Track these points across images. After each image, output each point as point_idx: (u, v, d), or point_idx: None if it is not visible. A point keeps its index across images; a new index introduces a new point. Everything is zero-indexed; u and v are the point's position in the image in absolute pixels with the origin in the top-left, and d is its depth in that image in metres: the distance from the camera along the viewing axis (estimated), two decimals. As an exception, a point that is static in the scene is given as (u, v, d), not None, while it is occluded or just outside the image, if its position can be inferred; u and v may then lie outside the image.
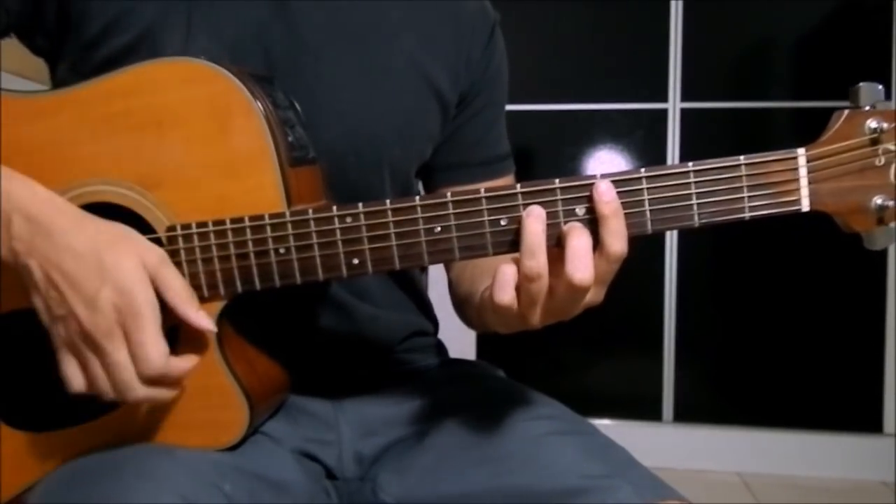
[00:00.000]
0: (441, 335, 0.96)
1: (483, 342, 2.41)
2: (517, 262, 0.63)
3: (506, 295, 0.62)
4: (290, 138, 0.69)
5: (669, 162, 2.46)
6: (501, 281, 0.63)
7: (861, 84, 0.63)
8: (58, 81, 0.81)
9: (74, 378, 0.65)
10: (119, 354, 0.62)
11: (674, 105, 2.49)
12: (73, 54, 0.77)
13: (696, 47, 2.48)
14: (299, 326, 0.81)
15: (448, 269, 0.90)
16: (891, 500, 2.22)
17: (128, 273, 0.63)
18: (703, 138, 2.48)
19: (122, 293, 0.62)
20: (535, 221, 0.62)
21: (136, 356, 0.62)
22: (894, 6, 2.37)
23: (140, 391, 0.63)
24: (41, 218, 0.64)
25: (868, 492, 2.28)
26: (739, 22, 2.48)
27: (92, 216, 0.66)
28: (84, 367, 0.64)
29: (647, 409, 2.53)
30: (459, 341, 1.00)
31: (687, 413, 2.52)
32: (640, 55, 2.52)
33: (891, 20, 2.38)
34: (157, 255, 0.65)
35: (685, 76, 2.49)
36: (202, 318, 0.66)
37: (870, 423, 2.42)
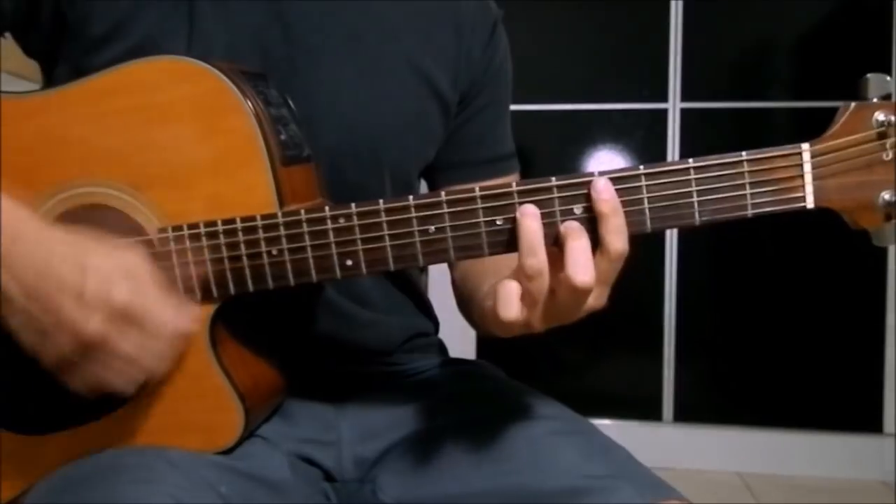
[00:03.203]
0: (441, 335, 0.95)
1: (483, 342, 2.40)
2: (517, 272, 0.62)
3: (510, 311, 0.62)
4: (282, 136, 0.68)
5: (669, 162, 2.46)
6: (505, 297, 0.62)
7: (869, 75, 0.62)
8: (55, 84, 0.80)
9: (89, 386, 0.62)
10: (128, 344, 0.60)
11: (674, 105, 2.49)
12: (73, 58, 0.76)
13: (696, 47, 2.48)
14: (299, 332, 0.80)
15: (451, 269, 0.89)
16: (891, 500, 2.21)
17: (106, 270, 0.60)
18: (704, 138, 2.48)
19: (107, 291, 0.59)
20: (529, 219, 0.61)
21: (155, 334, 0.61)
22: (894, 6, 2.37)
23: (166, 357, 0.63)
24: (7, 226, 0.60)
25: (868, 492, 2.28)
26: (739, 22, 2.47)
27: (58, 228, 0.63)
28: (95, 371, 0.61)
29: (647, 409, 2.52)
30: (459, 341, 1.00)
31: (687, 413, 2.52)
32: (640, 55, 2.52)
33: (891, 20, 2.37)
34: (133, 259, 0.63)
35: (685, 76, 2.48)
36: (181, 319, 0.63)
37: (870, 423, 2.42)
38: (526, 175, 0.94)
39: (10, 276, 0.59)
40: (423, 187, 0.94)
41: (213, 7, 0.76)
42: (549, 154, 2.57)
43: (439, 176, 0.90)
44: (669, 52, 2.48)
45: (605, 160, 2.54)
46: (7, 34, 0.79)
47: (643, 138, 2.52)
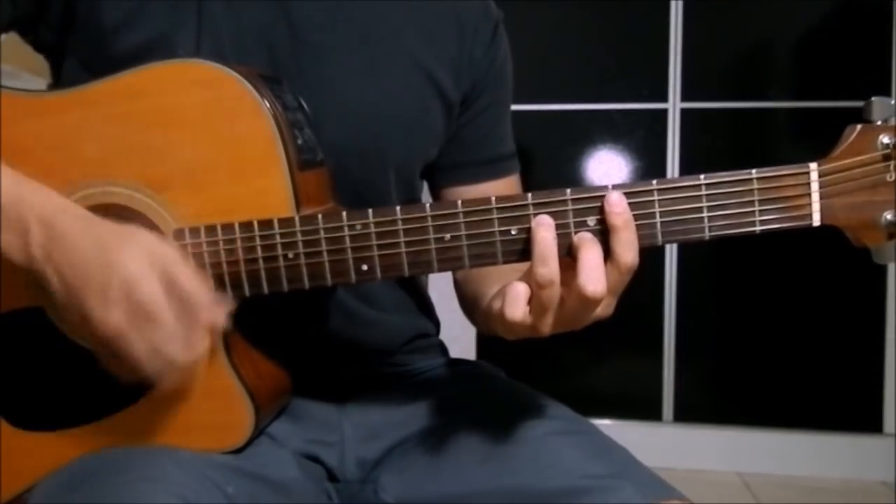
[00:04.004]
0: (441, 335, 0.96)
1: (483, 342, 2.40)
2: (527, 277, 0.63)
3: (517, 311, 0.63)
4: (299, 141, 0.68)
5: (669, 162, 2.46)
6: (512, 297, 0.63)
7: (874, 98, 0.63)
8: (65, 78, 0.80)
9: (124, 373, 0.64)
10: (138, 348, 0.61)
11: (674, 105, 2.49)
12: (83, 51, 0.77)
13: (696, 47, 2.48)
14: (303, 329, 0.80)
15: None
16: (891, 500, 2.22)
17: (132, 268, 0.61)
18: (703, 138, 2.48)
19: (129, 288, 0.60)
20: (544, 229, 0.62)
21: (158, 352, 0.62)
22: (894, 6, 2.37)
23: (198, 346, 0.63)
24: (57, 225, 0.62)
25: (868, 492, 2.28)
26: (739, 22, 2.47)
27: (104, 220, 0.64)
28: (124, 361, 0.62)
29: (647, 409, 2.52)
30: (460, 341, 1.01)
31: (687, 413, 2.52)
32: (640, 55, 2.52)
33: (891, 20, 2.38)
34: (169, 254, 0.63)
35: (685, 76, 2.48)
36: (216, 313, 0.64)
37: (870, 423, 2.42)
38: (526, 175, 0.95)
39: (53, 270, 0.62)
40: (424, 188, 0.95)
41: (220, 5, 0.76)
42: (549, 154, 2.56)
43: (441, 176, 0.91)
44: (669, 52, 2.48)
45: (604, 160, 2.54)
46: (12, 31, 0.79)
47: (643, 138, 2.52)
